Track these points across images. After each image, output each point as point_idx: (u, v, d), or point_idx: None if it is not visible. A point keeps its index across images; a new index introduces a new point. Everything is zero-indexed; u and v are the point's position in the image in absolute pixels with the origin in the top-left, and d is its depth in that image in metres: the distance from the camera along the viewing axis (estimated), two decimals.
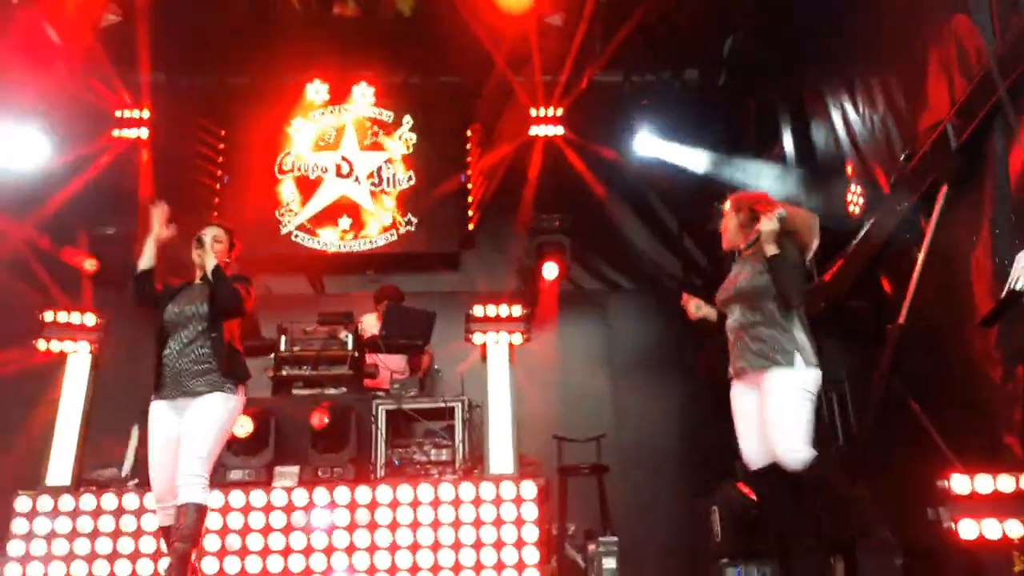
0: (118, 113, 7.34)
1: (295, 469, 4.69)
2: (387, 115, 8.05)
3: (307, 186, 7.78)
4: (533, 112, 7.51)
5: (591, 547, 4.95)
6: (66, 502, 4.51)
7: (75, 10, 6.58)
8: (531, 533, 4.37)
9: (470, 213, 7.82)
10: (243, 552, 4.37)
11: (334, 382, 5.13)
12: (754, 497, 4.08)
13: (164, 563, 4.28)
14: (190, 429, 3.61)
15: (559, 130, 7.51)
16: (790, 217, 3.54)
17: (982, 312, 3.93)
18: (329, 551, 4.37)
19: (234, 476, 4.68)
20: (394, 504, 4.45)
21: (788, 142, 6.75)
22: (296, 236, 7.61)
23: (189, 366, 3.69)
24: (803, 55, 6.42)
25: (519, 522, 4.39)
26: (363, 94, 8.08)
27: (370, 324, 5.80)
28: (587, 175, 7.58)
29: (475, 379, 5.07)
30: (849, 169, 5.69)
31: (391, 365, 5.52)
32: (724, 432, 3.90)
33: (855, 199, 5.59)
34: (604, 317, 7.66)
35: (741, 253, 3.76)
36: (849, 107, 5.73)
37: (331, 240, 7.61)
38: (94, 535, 4.45)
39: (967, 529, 3.42)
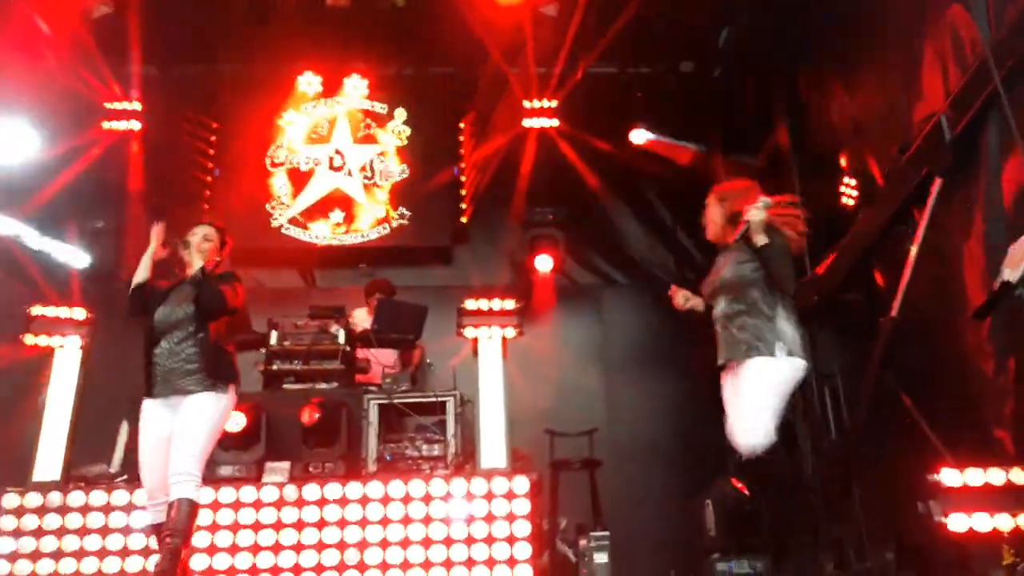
0: (108, 105, 7.28)
1: (285, 465, 4.67)
2: (380, 107, 8.00)
3: (299, 179, 7.73)
4: (527, 104, 7.47)
5: (583, 542, 4.93)
6: (54, 498, 4.49)
7: (66, 1, 6.52)
8: (523, 528, 4.35)
9: (463, 206, 7.77)
10: (233, 549, 4.35)
11: (325, 377, 5.11)
12: (746, 491, 4.07)
13: (154, 560, 4.27)
14: (182, 427, 3.64)
15: (553, 122, 7.48)
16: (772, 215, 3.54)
17: (975, 305, 3.91)
18: (320, 547, 4.36)
19: (224, 472, 4.67)
20: (385, 500, 4.43)
21: (783, 134, 6.71)
22: (287, 229, 7.56)
23: (179, 366, 3.73)
24: (799, 47, 6.39)
25: (511, 517, 4.37)
26: (356, 86, 8.02)
27: (361, 318, 5.77)
28: (581, 168, 7.54)
29: (467, 373, 5.04)
30: (843, 161, 5.66)
31: (382, 359, 5.49)
32: (718, 427, 3.88)
33: (849, 191, 5.56)
34: (598, 311, 7.63)
35: (726, 243, 3.75)
36: (844, 99, 5.71)
37: (323, 233, 7.57)
38: (83, 532, 4.43)
39: (957, 522, 3.41)
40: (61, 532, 4.42)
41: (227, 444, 4.62)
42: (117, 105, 7.29)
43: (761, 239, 3.46)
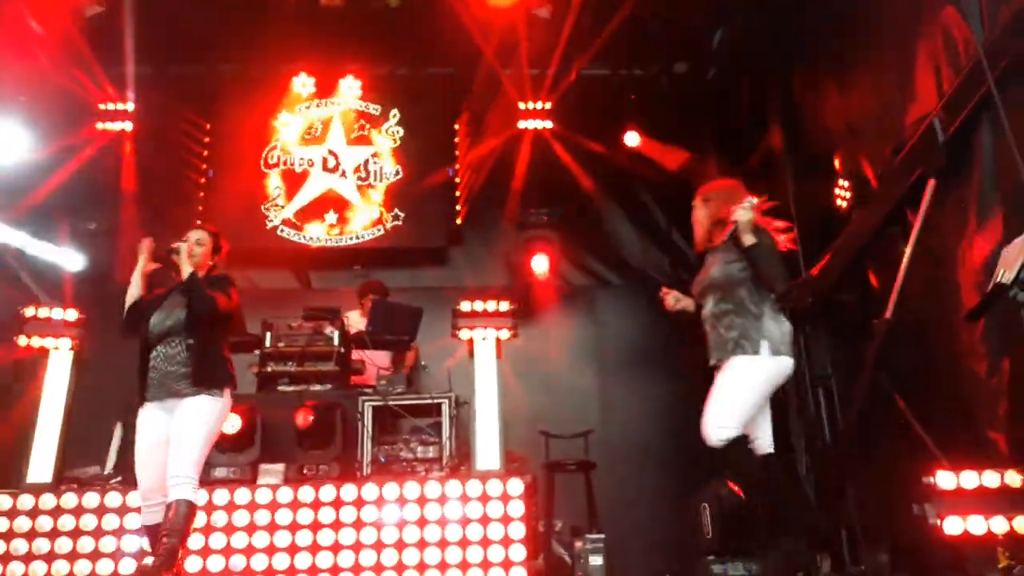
0: (102, 106, 7.26)
1: (280, 467, 4.65)
2: (374, 108, 7.98)
3: (293, 180, 7.71)
4: (521, 105, 7.48)
5: (578, 544, 4.93)
6: (47, 500, 4.46)
7: (58, 0, 6.49)
8: (518, 530, 4.34)
9: (458, 208, 7.77)
10: (227, 551, 4.33)
11: (320, 378, 5.09)
12: (740, 493, 4.07)
13: (148, 562, 4.25)
14: (179, 430, 3.67)
15: (547, 124, 7.49)
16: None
17: (968, 306, 3.92)
18: (314, 549, 4.34)
19: (219, 474, 4.65)
20: (380, 502, 4.41)
21: (777, 135, 6.73)
22: (282, 231, 7.54)
23: (175, 369, 3.76)
24: (793, 48, 6.40)
25: (506, 519, 4.36)
26: (350, 87, 8.01)
27: (354, 320, 5.76)
28: (576, 169, 7.55)
29: (462, 375, 5.03)
30: (837, 162, 5.67)
31: (377, 361, 5.48)
32: None
33: (843, 192, 5.57)
34: (592, 313, 7.62)
35: (714, 244, 3.76)
36: (838, 100, 5.72)
37: (317, 234, 7.55)
38: (76, 534, 4.40)
39: (952, 525, 3.41)
40: (54, 534, 4.39)
41: (222, 446, 4.59)
42: (110, 106, 7.26)
43: (748, 239, 3.46)
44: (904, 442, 4.49)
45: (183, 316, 3.80)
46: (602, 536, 4.88)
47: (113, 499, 4.47)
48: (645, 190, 7.97)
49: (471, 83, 7.81)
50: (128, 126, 7.29)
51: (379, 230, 7.60)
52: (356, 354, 5.43)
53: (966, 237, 4.12)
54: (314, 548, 4.33)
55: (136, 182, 7.13)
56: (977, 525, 3.39)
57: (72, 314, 4.97)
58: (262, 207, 7.60)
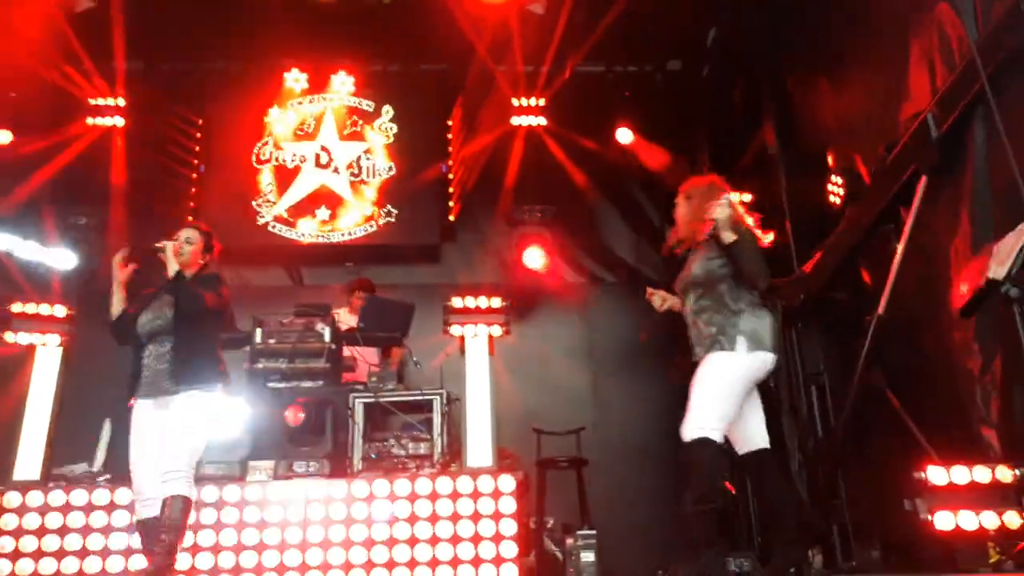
0: (92, 101, 7.21)
1: (270, 464, 4.62)
2: (367, 104, 7.95)
3: (285, 176, 7.67)
4: (515, 102, 7.45)
5: (569, 540, 4.91)
6: (35, 498, 4.42)
7: None
8: (509, 527, 4.32)
9: (451, 204, 7.74)
10: (216, 548, 4.30)
11: (311, 375, 5.06)
12: (732, 491, 4.07)
13: (136, 559, 4.23)
14: (173, 427, 3.69)
15: (541, 120, 7.46)
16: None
17: (961, 303, 3.92)
18: (304, 546, 4.31)
19: (208, 470, 4.61)
20: (370, 499, 4.39)
21: (770, 132, 6.72)
22: (273, 227, 7.50)
23: (164, 368, 3.78)
24: (787, 46, 6.39)
25: (497, 516, 4.34)
26: (343, 83, 7.98)
27: (343, 318, 5.73)
28: (569, 166, 7.53)
29: (454, 372, 5.01)
30: (830, 159, 5.67)
31: (368, 358, 5.46)
32: None
33: (836, 189, 5.57)
34: (585, 309, 7.60)
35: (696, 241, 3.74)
36: (832, 97, 5.71)
37: (309, 231, 7.51)
38: (63, 531, 4.36)
39: (943, 520, 3.41)
40: (41, 532, 4.35)
41: (213, 443, 4.56)
42: (101, 101, 7.21)
43: (728, 236, 3.44)
44: (896, 438, 4.48)
45: (171, 315, 3.82)
46: (594, 532, 4.86)
47: (101, 496, 4.43)
48: (639, 187, 7.95)
49: (464, 79, 7.78)
50: (119, 121, 7.24)
51: (371, 226, 7.57)
52: (347, 351, 5.40)
53: (958, 234, 4.12)
54: (304, 545, 4.30)
55: (127, 177, 7.08)
56: (968, 520, 3.39)
57: (61, 310, 4.93)
58: (254, 203, 7.56)
